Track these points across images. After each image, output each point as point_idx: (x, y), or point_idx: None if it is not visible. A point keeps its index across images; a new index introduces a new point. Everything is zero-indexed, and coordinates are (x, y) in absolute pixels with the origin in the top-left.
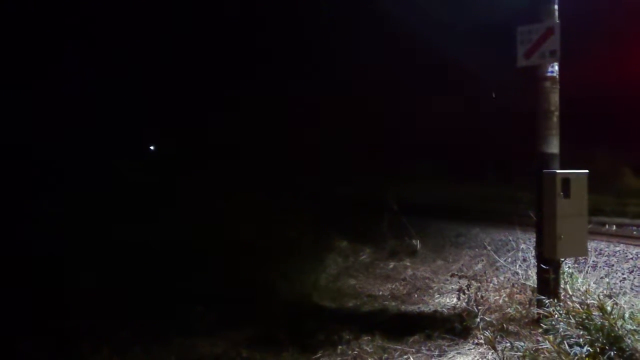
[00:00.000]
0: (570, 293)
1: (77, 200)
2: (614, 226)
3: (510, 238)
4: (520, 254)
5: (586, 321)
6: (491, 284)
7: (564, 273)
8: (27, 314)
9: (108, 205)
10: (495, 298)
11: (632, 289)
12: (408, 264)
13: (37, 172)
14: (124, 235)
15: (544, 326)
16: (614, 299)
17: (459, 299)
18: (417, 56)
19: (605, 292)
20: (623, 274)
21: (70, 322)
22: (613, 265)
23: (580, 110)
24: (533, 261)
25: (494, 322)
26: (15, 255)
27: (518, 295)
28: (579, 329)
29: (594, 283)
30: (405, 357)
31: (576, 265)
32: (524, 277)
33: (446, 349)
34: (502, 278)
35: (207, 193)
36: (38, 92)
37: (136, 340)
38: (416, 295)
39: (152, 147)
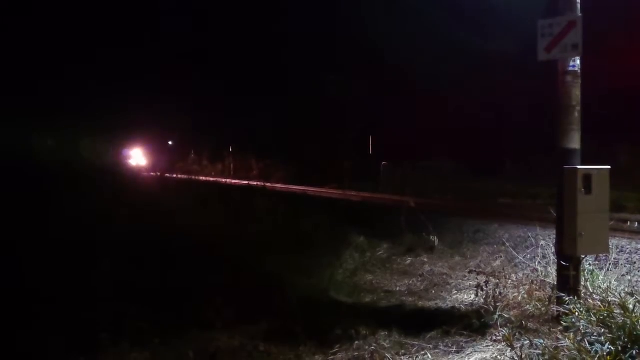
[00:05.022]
0: (591, 291)
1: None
2: (636, 223)
3: (530, 234)
4: (539, 250)
5: (607, 319)
6: (510, 281)
7: (584, 270)
8: (45, 304)
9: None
10: (514, 295)
11: None
12: (425, 259)
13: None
14: (141, 229)
15: (564, 324)
16: (636, 297)
17: (476, 295)
18: (429, 53)
19: (627, 290)
20: None
21: (90, 313)
22: (635, 262)
23: (602, 104)
24: (553, 258)
25: (513, 319)
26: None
27: (537, 293)
28: (600, 327)
29: (615, 281)
30: (423, 353)
31: (597, 262)
32: (544, 274)
33: (464, 345)
34: (520, 275)
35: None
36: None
37: (155, 332)
38: (433, 291)
39: (170, 143)
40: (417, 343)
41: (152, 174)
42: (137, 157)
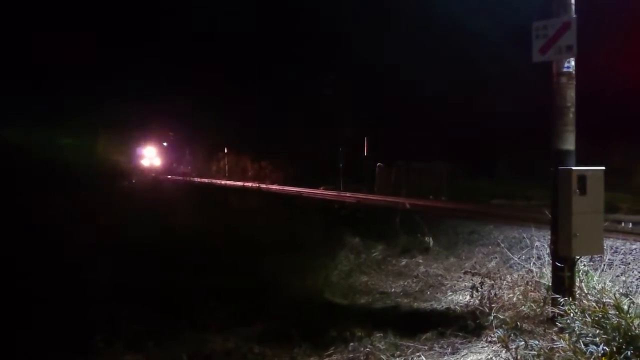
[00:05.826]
0: (586, 291)
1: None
2: (630, 224)
3: (524, 235)
4: (534, 251)
5: (602, 320)
6: (505, 282)
7: (579, 271)
8: (42, 304)
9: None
10: (509, 296)
11: None
12: (420, 260)
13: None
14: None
15: (559, 325)
16: (630, 297)
17: (472, 296)
18: (426, 55)
19: (621, 290)
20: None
21: (85, 314)
22: (629, 263)
23: (597, 105)
24: (548, 259)
25: (508, 320)
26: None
27: (532, 293)
28: (595, 327)
29: (610, 281)
30: (418, 354)
31: (591, 263)
32: (539, 275)
33: (459, 346)
34: (515, 276)
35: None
36: None
37: (149, 334)
38: (429, 293)
39: (164, 144)
40: (412, 344)
41: (162, 176)
42: (151, 156)
